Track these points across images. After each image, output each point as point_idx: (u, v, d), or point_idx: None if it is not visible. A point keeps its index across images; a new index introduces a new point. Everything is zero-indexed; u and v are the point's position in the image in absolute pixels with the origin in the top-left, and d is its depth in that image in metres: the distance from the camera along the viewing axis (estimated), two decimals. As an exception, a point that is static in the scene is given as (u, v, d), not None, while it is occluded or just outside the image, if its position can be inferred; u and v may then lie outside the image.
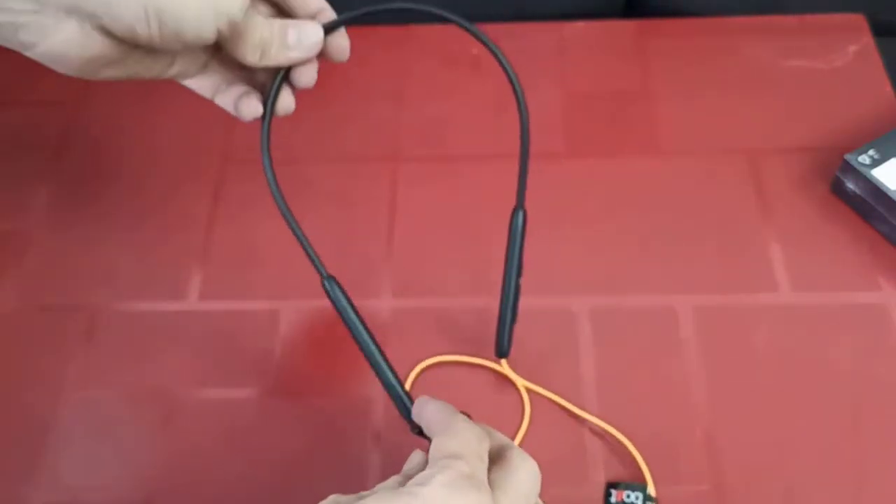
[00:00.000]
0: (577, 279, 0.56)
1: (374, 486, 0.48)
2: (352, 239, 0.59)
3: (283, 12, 0.42)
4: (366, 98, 0.67)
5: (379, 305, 0.55)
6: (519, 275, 0.48)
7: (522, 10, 0.73)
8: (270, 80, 0.43)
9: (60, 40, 0.36)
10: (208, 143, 0.64)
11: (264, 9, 0.42)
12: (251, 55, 0.40)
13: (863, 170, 0.56)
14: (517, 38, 0.70)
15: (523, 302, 0.55)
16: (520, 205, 0.49)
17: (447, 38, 0.70)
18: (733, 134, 0.63)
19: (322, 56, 0.43)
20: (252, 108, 0.43)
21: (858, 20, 0.69)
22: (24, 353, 0.54)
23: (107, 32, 0.36)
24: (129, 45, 0.37)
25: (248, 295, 0.56)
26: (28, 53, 0.38)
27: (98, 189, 0.62)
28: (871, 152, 0.57)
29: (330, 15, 0.42)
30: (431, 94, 0.67)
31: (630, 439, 0.49)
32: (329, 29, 0.42)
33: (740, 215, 0.59)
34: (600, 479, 0.48)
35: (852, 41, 0.67)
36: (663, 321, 0.54)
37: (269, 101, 0.42)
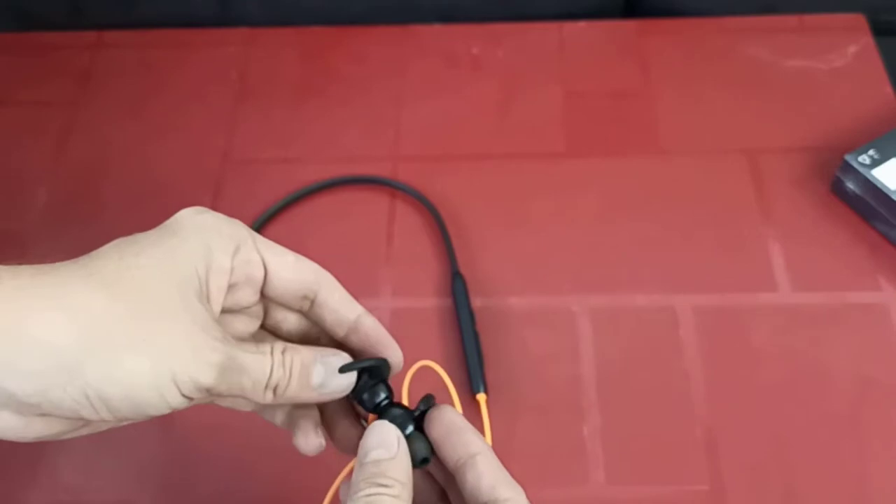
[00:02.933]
0: (577, 279, 0.56)
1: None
2: (352, 239, 0.59)
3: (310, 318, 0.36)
4: (366, 98, 0.67)
5: (379, 305, 0.55)
6: (475, 325, 0.53)
7: (522, 10, 0.73)
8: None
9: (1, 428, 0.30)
10: (208, 144, 0.64)
11: (293, 318, 0.36)
12: (261, 398, 0.32)
13: (863, 170, 0.56)
14: (517, 38, 0.70)
15: (523, 302, 0.56)
16: (456, 271, 0.55)
17: (447, 38, 0.70)
18: (733, 134, 0.63)
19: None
20: (312, 442, 0.36)
21: (858, 20, 0.69)
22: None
23: (51, 416, 0.30)
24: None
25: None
26: None
27: (98, 189, 0.62)
28: (871, 152, 0.57)
29: (368, 324, 0.36)
30: (431, 94, 0.67)
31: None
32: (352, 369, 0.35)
33: (740, 215, 0.59)
34: (600, 479, 0.48)
35: (852, 41, 0.67)
36: (663, 321, 0.54)
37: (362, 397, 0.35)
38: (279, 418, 0.37)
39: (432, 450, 0.34)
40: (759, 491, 0.48)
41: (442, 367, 0.37)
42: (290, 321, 0.37)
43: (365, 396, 0.35)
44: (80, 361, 0.28)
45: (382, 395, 0.35)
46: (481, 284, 0.56)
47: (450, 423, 0.34)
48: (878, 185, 0.55)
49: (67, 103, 0.67)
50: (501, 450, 0.49)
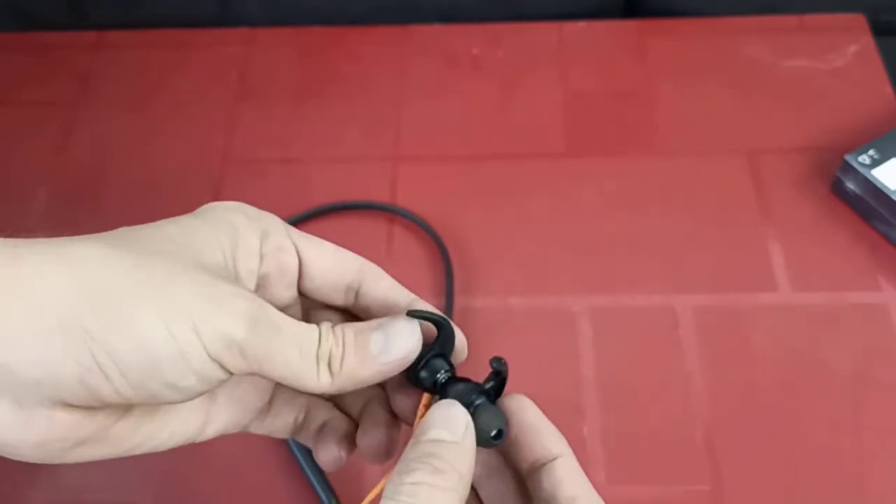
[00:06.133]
0: (577, 279, 0.56)
1: (373, 479, 0.48)
2: (351, 239, 0.59)
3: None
4: (366, 98, 0.67)
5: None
6: None
7: (522, 10, 0.73)
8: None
9: None
10: (208, 144, 0.64)
11: (338, 319, 0.32)
12: (311, 377, 0.27)
13: (863, 170, 0.56)
14: (517, 38, 0.70)
15: (523, 302, 0.55)
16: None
17: (447, 38, 0.70)
18: (733, 134, 0.63)
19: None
20: (332, 454, 0.31)
21: (858, 20, 0.69)
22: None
23: (63, 405, 0.26)
24: (101, 413, 0.27)
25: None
26: None
27: (98, 189, 0.62)
28: (871, 152, 0.57)
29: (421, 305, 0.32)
30: (431, 94, 0.67)
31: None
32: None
33: (740, 215, 0.59)
34: (600, 479, 0.48)
35: (852, 41, 0.67)
36: (663, 321, 0.54)
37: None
38: (312, 434, 0.33)
39: (507, 424, 0.29)
40: (759, 491, 0.48)
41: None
42: (334, 323, 0.30)
43: (423, 374, 0.30)
44: (82, 314, 0.25)
45: (443, 369, 0.30)
46: (481, 284, 0.56)
47: (524, 419, 0.30)
48: (878, 185, 0.55)
49: (67, 103, 0.67)
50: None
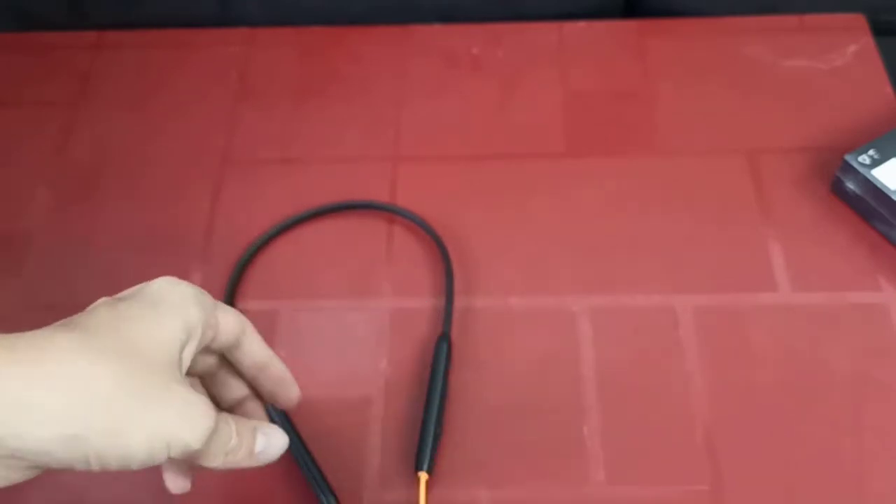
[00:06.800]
0: (577, 279, 0.56)
1: (374, 477, 0.48)
2: (352, 239, 0.59)
3: (227, 361, 0.41)
4: (366, 98, 0.67)
5: (379, 305, 0.55)
6: (443, 398, 0.50)
7: (522, 10, 0.73)
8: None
9: None
10: (208, 144, 0.64)
11: (210, 359, 0.40)
12: (213, 461, 0.36)
13: (863, 170, 0.56)
14: (517, 38, 0.70)
15: (523, 302, 0.55)
16: (445, 333, 0.52)
17: (447, 38, 0.70)
18: (733, 134, 0.63)
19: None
20: (179, 484, 0.40)
21: (858, 20, 0.69)
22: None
23: (34, 469, 0.32)
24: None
25: (247, 295, 0.56)
26: None
27: (98, 189, 0.62)
28: (871, 152, 0.57)
29: (278, 366, 0.41)
30: (431, 94, 0.67)
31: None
32: None
33: (740, 215, 0.59)
34: (600, 479, 0.48)
35: (852, 41, 0.67)
36: (663, 321, 0.54)
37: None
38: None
39: None
40: (759, 491, 0.48)
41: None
42: (206, 362, 0.40)
43: None
44: (86, 429, 0.30)
45: None
46: (481, 284, 0.56)
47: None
48: (878, 185, 0.55)
49: (67, 103, 0.67)
50: (501, 450, 0.49)
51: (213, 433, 0.34)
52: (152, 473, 0.49)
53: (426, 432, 0.49)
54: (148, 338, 0.33)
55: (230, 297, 0.55)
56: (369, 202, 0.60)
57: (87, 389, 0.30)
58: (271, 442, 0.38)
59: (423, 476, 0.47)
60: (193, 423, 0.33)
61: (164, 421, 0.32)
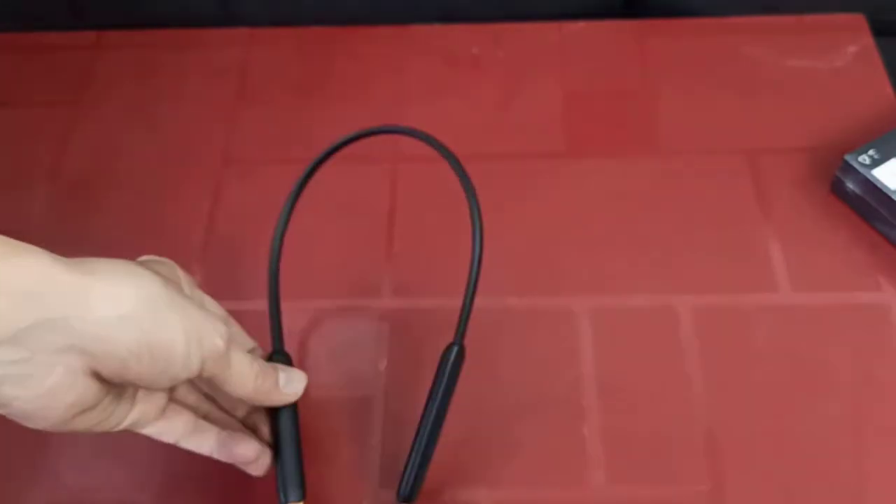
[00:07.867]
0: (577, 279, 0.56)
1: (373, 477, 0.48)
2: (352, 239, 0.59)
3: (210, 398, 0.44)
4: (366, 98, 0.67)
5: (379, 305, 0.55)
6: (441, 417, 0.43)
7: (522, 10, 0.73)
8: (229, 420, 0.44)
9: (47, 388, 0.33)
10: (208, 143, 0.64)
11: (193, 398, 0.43)
12: (244, 385, 0.40)
13: (863, 170, 0.56)
14: (517, 38, 0.70)
15: (523, 302, 0.55)
16: (456, 340, 0.46)
17: (447, 38, 0.70)
18: (733, 134, 0.63)
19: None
20: (251, 448, 0.43)
21: (858, 20, 0.69)
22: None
23: (94, 373, 0.35)
24: (107, 387, 0.36)
25: (247, 295, 0.56)
26: (2, 411, 0.34)
27: (98, 189, 0.62)
28: (871, 152, 0.57)
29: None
30: (431, 94, 0.67)
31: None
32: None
33: (740, 215, 0.59)
34: (600, 479, 0.48)
35: (852, 41, 0.67)
36: (663, 321, 0.54)
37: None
38: (204, 440, 0.43)
39: None
40: (759, 491, 0.48)
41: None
42: (193, 396, 0.44)
43: None
44: (141, 319, 0.35)
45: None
46: (481, 285, 0.56)
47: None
48: (878, 185, 0.55)
49: (67, 103, 0.67)
50: (501, 450, 0.49)
51: (235, 351, 0.39)
52: (152, 473, 0.50)
53: (414, 459, 0.43)
54: (170, 276, 0.40)
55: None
56: (404, 128, 0.53)
57: (137, 293, 0.35)
58: (292, 377, 0.43)
59: None
60: (215, 326, 0.38)
61: (194, 321, 0.37)
